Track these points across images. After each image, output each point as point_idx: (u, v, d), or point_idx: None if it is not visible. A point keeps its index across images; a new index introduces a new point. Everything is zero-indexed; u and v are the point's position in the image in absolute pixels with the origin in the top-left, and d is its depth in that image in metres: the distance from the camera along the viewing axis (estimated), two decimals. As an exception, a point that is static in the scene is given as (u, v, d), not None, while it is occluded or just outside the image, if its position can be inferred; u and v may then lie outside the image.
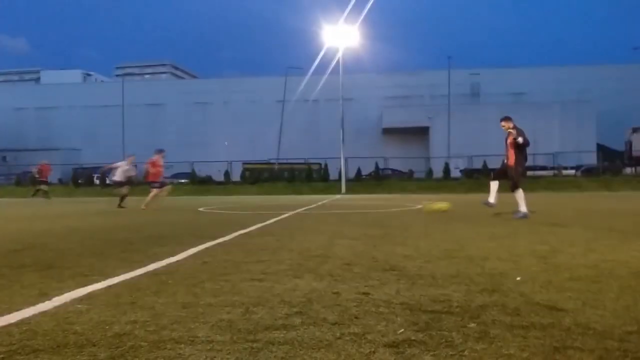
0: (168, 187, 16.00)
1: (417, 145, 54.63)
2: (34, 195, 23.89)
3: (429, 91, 58.81)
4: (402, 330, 2.20)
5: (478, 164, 38.71)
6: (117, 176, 15.54)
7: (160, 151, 15.46)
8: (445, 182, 35.02)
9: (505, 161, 9.04)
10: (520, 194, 8.77)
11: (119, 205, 14.64)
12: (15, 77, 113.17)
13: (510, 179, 8.93)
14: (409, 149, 53.04)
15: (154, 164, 15.04)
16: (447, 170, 37.69)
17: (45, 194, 23.43)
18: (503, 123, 8.94)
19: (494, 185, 9.27)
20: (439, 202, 9.32)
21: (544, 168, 41.42)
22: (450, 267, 3.85)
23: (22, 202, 23.39)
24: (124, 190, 15.31)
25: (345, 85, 36.19)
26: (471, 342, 2.02)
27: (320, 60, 42.47)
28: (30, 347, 2.02)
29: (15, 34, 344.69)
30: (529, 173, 38.27)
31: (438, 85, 57.07)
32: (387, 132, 56.44)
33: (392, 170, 44.40)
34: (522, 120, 11.03)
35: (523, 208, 8.67)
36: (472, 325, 2.27)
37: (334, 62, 38.70)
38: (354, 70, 49.83)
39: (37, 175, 24.29)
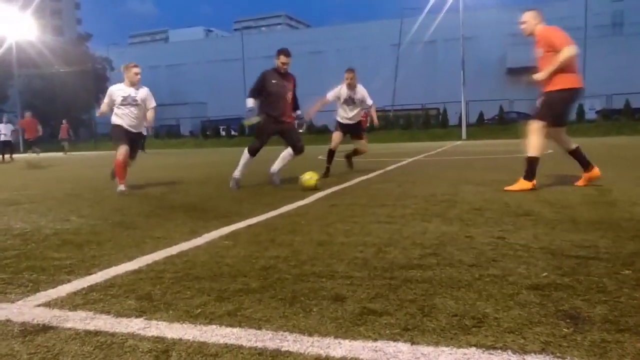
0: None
1: (546, 85, 50.06)
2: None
3: (562, 24, 50.86)
4: (546, 273, 2.10)
5: (619, 104, 34.60)
6: None
7: None
8: (578, 125, 31.95)
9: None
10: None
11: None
12: (148, 38, 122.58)
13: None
14: (537, 89, 48.87)
15: None
16: (581, 111, 34.23)
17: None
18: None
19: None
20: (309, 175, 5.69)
21: None
22: (592, 212, 3.57)
23: (162, 152, 25.84)
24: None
25: (465, 23, 33.92)
26: (628, 290, 1.88)
27: (437, -1, 40.10)
28: (192, 275, 2.27)
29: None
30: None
31: (572, 17, 51.01)
32: (513, 72, 52.19)
33: (518, 113, 41.38)
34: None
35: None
36: (627, 272, 2.10)
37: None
38: (474, 7, 46.37)
39: None
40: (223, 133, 43.23)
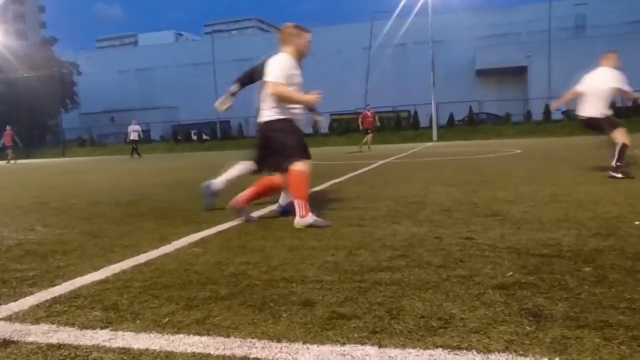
0: (372, 135, 20.86)
1: (514, 86, 51.29)
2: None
3: (527, 27, 54.37)
4: (511, 273, 2.15)
5: (583, 104, 35.64)
6: None
7: (366, 106, 21.71)
8: (545, 125, 32.85)
9: None
10: None
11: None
12: (117, 42, 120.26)
13: None
14: (505, 91, 49.94)
15: (365, 116, 20.54)
16: (547, 112, 35.13)
17: None
18: None
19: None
20: None
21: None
22: (557, 211, 3.66)
23: (133, 157, 25.40)
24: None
25: (434, 26, 34.47)
26: (588, 286, 1.94)
27: (407, 2, 40.63)
28: (161, 283, 2.24)
29: (110, 2, 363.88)
30: None
31: (537, 21, 52.53)
32: (481, 74, 53.40)
33: (487, 114, 42.18)
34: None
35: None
36: (587, 269, 2.17)
37: (421, 3, 36.88)
38: (443, 10, 47.15)
39: None
40: (194, 137, 42.72)
